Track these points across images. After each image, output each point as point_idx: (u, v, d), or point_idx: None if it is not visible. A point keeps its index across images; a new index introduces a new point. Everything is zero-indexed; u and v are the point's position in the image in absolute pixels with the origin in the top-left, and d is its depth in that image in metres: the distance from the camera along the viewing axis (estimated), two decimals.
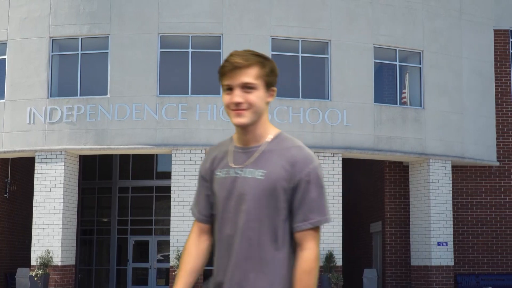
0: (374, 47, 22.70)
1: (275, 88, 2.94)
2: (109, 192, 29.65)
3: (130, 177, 29.54)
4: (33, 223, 21.35)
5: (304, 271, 2.81)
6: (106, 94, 21.76)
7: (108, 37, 21.97)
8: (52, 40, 22.18)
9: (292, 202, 2.86)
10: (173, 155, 21.54)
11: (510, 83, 24.82)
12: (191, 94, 21.82)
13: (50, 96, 21.93)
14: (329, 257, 21.32)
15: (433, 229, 22.57)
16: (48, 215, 21.27)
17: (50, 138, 21.62)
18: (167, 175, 26.85)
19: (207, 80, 21.73)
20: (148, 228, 29.11)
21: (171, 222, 21.46)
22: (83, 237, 29.24)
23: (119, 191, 29.53)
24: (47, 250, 21.10)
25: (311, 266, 2.81)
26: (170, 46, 22.09)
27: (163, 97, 21.66)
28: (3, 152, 21.97)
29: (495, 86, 24.61)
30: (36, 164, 21.59)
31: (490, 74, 24.43)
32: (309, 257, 2.82)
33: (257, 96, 2.86)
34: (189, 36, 22.04)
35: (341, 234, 21.81)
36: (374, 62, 22.75)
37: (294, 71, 22.35)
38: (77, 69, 22.20)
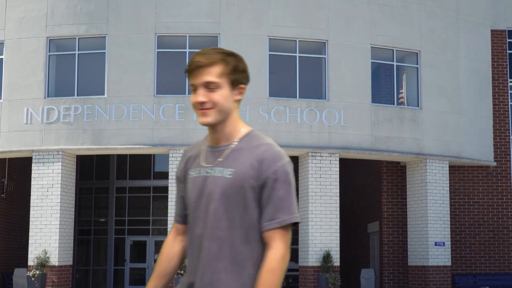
0: (372, 47, 22.71)
1: (243, 86, 2.88)
2: (106, 192, 29.64)
3: (127, 177, 29.52)
4: (30, 223, 21.32)
5: (268, 270, 2.74)
6: (103, 94, 21.75)
7: (105, 37, 21.95)
8: (49, 40, 22.16)
9: (260, 200, 2.81)
10: (170, 155, 21.54)
11: (507, 83, 24.84)
12: (188, 94, 21.80)
13: (47, 96, 21.91)
14: (327, 257, 21.31)
15: (431, 229, 22.58)
16: (45, 215, 21.24)
17: (47, 138, 21.59)
18: (165, 175, 26.85)
19: None
20: (145, 228, 29.10)
21: (169, 222, 21.46)
22: (80, 237, 29.22)
23: (116, 191, 29.52)
24: (44, 250, 21.07)
25: (275, 266, 2.74)
26: (167, 46, 22.07)
27: (160, 97, 21.65)
28: (0, 152, 21.95)
29: (492, 86, 24.62)
30: (33, 164, 21.57)
31: (487, 74, 24.45)
32: (273, 257, 2.75)
33: (221, 95, 2.81)
34: (186, 36, 22.03)
35: (338, 234, 21.81)
36: (372, 62, 22.76)
37: (292, 71, 22.35)
38: (74, 69, 22.18)
